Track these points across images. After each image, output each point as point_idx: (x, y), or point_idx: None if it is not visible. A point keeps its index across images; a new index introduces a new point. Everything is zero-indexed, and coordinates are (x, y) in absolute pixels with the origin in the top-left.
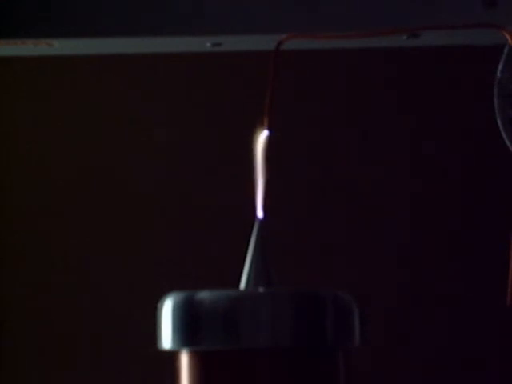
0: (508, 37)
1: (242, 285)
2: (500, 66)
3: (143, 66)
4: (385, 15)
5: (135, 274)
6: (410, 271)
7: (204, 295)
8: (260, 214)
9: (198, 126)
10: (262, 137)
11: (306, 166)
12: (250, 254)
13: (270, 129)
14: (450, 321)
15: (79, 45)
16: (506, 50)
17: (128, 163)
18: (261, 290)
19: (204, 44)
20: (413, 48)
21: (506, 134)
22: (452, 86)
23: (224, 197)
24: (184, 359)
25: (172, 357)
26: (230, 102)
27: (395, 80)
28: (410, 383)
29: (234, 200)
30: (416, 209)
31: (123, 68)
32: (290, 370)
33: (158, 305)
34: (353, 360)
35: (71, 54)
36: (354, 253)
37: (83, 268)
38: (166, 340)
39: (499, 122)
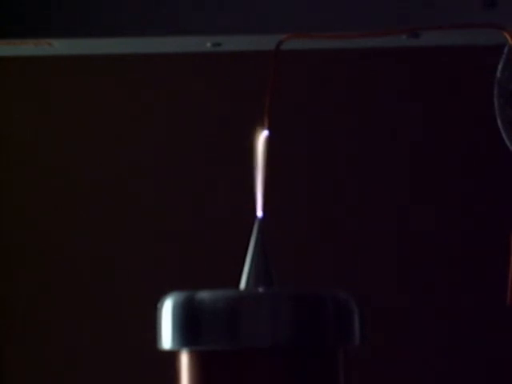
0: (508, 37)
1: (242, 285)
2: (500, 66)
3: (143, 66)
4: (385, 15)
5: (135, 274)
6: (410, 271)
7: (204, 295)
8: (260, 213)
9: (198, 125)
10: (262, 137)
11: (306, 166)
12: (249, 254)
13: (269, 129)
14: (449, 321)
15: (79, 45)
16: (505, 50)
17: (128, 163)
18: (261, 289)
19: (204, 44)
20: (413, 48)
21: (505, 133)
22: (452, 86)
23: (224, 197)
24: (184, 359)
25: (172, 357)
26: (229, 101)
27: (395, 80)
28: (410, 383)
29: (234, 200)
30: (416, 208)
31: (123, 68)
32: (290, 370)
33: (158, 305)
34: (353, 360)
35: (71, 54)
36: (354, 253)
37: (83, 268)
38: (166, 340)
39: (499, 122)
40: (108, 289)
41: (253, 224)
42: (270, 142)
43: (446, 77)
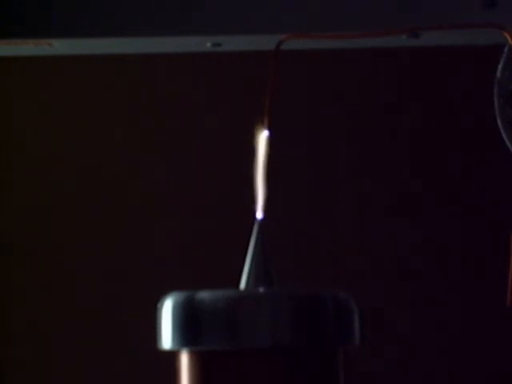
0: (508, 37)
1: (242, 285)
2: (500, 66)
3: (143, 65)
4: (385, 15)
5: (135, 274)
6: (410, 271)
7: (204, 295)
8: (260, 213)
9: (198, 126)
10: (262, 137)
11: (306, 166)
12: (249, 254)
13: (269, 129)
14: (449, 321)
15: (79, 45)
16: (506, 50)
17: (128, 163)
18: (261, 289)
19: (204, 44)
20: (413, 48)
21: (505, 134)
22: (452, 86)
23: (224, 197)
24: (184, 359)
25: (172, 357)
26: (230, 101)
27: (395, 80)
28: (410, 383)
29: (234, 200)
30: (416, 209)
31: (123, 68)
32: (290, 370)
33: (158, 305)
34: (353, 360)
35: (71, 54)
36: (354, 253)
37: (83, 268)
38: (166, 340)
39: (499, 122)
40: (108, 289)
41: (253, 224)
42: (270, 141)
43: (446, 77)
